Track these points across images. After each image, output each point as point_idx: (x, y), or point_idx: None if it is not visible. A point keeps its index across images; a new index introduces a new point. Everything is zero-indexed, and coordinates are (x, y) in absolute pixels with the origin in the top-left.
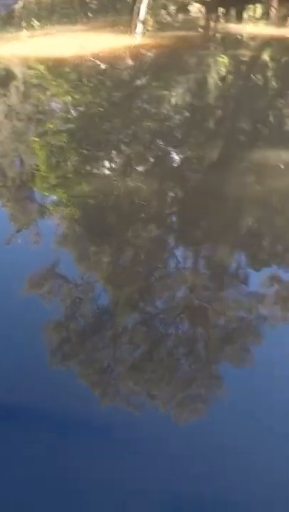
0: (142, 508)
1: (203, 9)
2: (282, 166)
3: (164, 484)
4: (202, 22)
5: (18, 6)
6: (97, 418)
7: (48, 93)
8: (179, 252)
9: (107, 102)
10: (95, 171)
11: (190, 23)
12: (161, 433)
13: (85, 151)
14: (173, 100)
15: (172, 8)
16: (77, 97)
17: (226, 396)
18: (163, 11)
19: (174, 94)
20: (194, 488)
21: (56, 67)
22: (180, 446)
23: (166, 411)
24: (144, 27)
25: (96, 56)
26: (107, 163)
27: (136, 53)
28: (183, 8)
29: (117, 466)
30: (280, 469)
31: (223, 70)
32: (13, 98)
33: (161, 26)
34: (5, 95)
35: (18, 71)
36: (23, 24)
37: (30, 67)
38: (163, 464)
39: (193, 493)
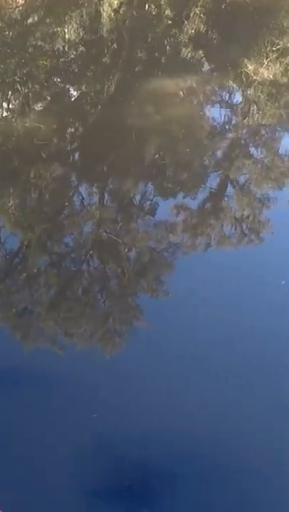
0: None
1: None
2: (180, 94)
3: (83, 418)
4: None
5: None
6: (19, 360)
7: None
8: (83, 189)
9: None
10: None
11: None
12: (84, 369)
13: None
14: (67, 36)
15: None
16: None
17: (144, 328)
18: None
19: (67, 30)
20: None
21: None
22: (101, 380)
23: (88, 347)
24: None
25: None
26: (5, 105)
27: None
28: None
29: (41, 406)
30: (193, 392)
31: (114, 2)
32: None
33: None
34: None
35: None
36: None
37: None
38: (84, 398)
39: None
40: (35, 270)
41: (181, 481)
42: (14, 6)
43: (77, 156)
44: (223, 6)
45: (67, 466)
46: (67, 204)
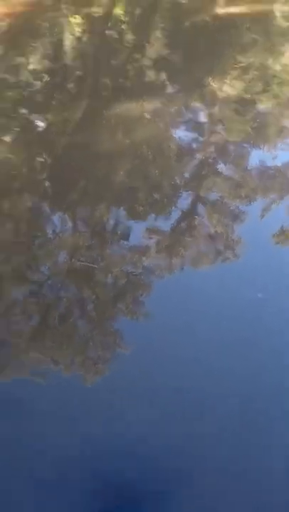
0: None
1: None
2: (146, 116)
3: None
4: None
5: None
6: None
7: None
8: (57, 217)
9: None
10: None
11: None
12: (67, 395)
13: None
14: (31, 67)
15: None
16: None
17: (125, 352)
18: None
19: (31, 60)
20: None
21: None
22: (88, 407)
23: (70, 374)
24: None
25: None
26: None
27: None
28: None
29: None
30: (176, 422)
31: (77, 30)
32: None
33: None
34: None
35: None
36: None
37: None
38: (68, 425)
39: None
40: (12, 301)
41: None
42: None
43: (47, 184)
44: (183, 27)
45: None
46: (40, 234)
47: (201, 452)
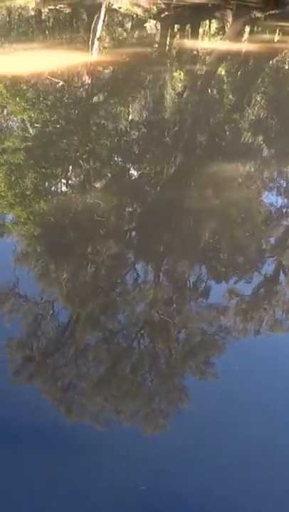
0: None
1: (158, 25)
2: (239, 179)
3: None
4: (158, 38)
5: None
6: (64, 435)
7: (5, 111)
8: (139, 267)
9: (64, 119)
10: (54, 188)
11: (146, 40)
12: (128, 446)
13: (43, 169)
14: (130, 116)
15: (128, 25)
16: (34, 114)
17: (191, 409)
18: (119, 28)
19: (131, 110)
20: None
21: (13, 85)
22: (148, 461)
23: (133, 425)
24: (101, 44)
25: (53, 74)
26: (65, 181)
27: (93, 70)
28: (139, 25)
29: (83, 480)
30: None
31: (179, 85)
32: None
33: (117, 43)
34: None
35: None
36: None
37: None
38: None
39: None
40: (84, 346)
41: None
42: (80, 84)
43: (134, 234)
44: (283, 92)
45: None
46: (120, 281)
47: None
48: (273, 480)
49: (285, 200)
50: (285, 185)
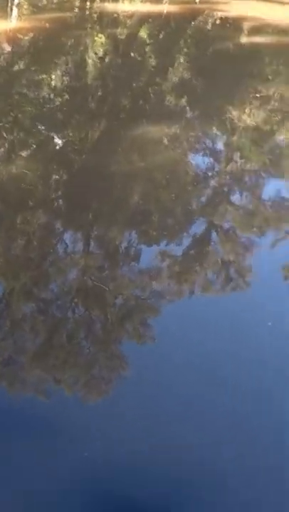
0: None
1: None
2: (164, 141)
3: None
4: (78, 3)
5: None
6: (5, 409)
7: None
8: (69, 235)
9: None
10: None
11: (66, 4)
12: (69, 416)
13: None
14: (53, 83)
15: None
16: None
17: (129, 374)
18: None
19: (53, 77)
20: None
21: None
22: (89, 428)
23: (73, 394)
24: (20, 11)
25: None
26: None
27: (12, 38)
28: None
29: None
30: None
31: (100, 50)
32: None
33: (37, 9)
34: None
35: None
36: None
37: None
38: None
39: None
40: (20, 318)
41: None
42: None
43: (61, 202)
44: (206, 54)
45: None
46: (50, 251)
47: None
48: (205, 431)
49: (211, 160)
50: (210, 145)
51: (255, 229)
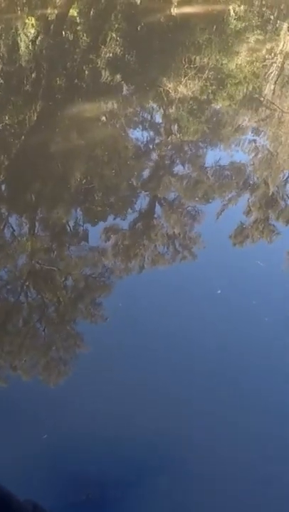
0: None
1: None
2: (101, 117)
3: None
4: None
5: None
6: None
7: None
8: (13, 219)
9: None
10: None
11: None
12: (33, 401)
13: None
14: None
15: None
16: None
17: (86, 352)
18: None
19: None
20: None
21: None
22: (55, 411)
23: (32, 378)
24: None
25: None
26: None
27: None
28: None
29: None
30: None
31: (31, 32)
32: None
33: None
34: None
35: None
36: None
37: None
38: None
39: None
40: None
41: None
42: None
43: (2, 187)
44: (138, 28)
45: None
46: None
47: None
48: (169, 400)
49: (150, 133)
50: (148, 118)
51: (198, 199)
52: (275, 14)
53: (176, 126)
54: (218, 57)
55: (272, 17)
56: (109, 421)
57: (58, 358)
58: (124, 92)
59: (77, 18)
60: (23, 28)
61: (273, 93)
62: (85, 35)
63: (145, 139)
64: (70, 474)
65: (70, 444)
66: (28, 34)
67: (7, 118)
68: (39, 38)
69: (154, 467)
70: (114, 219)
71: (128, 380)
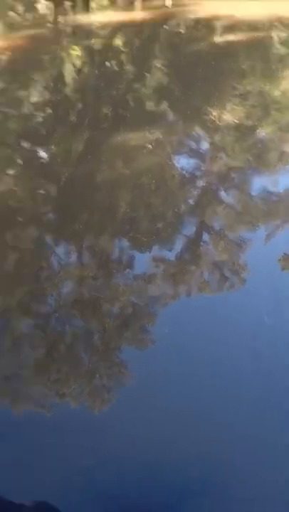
0: None
1: (50, 5)
2: (147, 146)
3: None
4: (51, 18)
5: None
6: (9, 425)
7: None
8: (61, 248)
9: None
10: None
11: (39, 21)
12: (77, 428)
13: None
14: (32, 99)
15: (20, 8)
16: None
17: (131, 381)
18: (11, 13)
19: (33, 93)
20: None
21: None
22: (99, 437)
23: (79, 406)
24: None
25: None
26: None
27: None
28: (30, 7)
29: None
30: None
31: (77, 62)
32: None
33: (10, 27)
34: None
35: None
36: None
37: None
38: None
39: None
40: (18, 334)
41: None
42: None
43: (51, 216)
44: (182, 56)
45: None
46: (44, 265)
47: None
48: (208, 437)
49: (195, 162)
50: (193, 146)
51: (246, 225)
52: None
53: (221, 154)
54: (262, 84)
55: None
56: (150, 445)
57: (101, 386)
58: (169, 120)
59: (122, 48)
60: (69, 59)
61: None
62: (129, 64)
63: (191, 167)
64: (110, 498)
65: (110, 467)
66: (75, 64)
67: (53, 147)
68: (85, 68)
69: (196, 491)
70: (161, 247)
71: (171, 406)
